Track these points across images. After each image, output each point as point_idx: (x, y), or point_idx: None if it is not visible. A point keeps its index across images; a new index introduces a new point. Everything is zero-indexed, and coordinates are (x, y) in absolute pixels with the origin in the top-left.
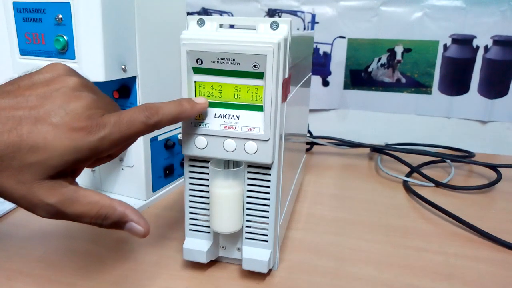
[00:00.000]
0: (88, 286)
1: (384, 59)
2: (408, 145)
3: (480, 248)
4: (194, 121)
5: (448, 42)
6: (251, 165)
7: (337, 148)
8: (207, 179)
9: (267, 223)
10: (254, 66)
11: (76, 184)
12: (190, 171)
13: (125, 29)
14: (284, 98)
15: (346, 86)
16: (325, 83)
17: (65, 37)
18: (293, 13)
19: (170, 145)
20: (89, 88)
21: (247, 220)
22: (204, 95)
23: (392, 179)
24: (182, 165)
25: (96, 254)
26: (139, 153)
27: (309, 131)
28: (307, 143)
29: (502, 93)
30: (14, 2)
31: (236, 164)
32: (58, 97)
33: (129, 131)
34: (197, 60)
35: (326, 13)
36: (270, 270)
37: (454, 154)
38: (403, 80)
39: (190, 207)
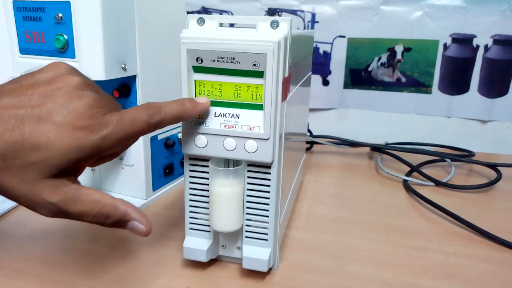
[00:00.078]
0: (88, 285)
1: (384, 59)
2: (408, 144)
3: (480, 247)
4: (194, 120)
5: (448, 41)
6: (251, 164)
7: (337, 147)
8: (207, 178)
9: (267, 222)
10: (254, 65)
11: (78, 183)
12: (190, 170)
13: (125, 28)
14: (284, 97)
15: (346, 86)
16: (325, 83)
17: (65, 36)
18: (293, 12)
19: (170, 144)
20: (91, 87)
21: (247, 219)
22: (204, 94)
23: (392, 178)
24: (182, 164)
25: (96, 253)
26: (139, 152)
27: (309, 130)
28: (307, 142)
29: (502, 92)
30: (14, 1)
31: (236, 163)
32: (60, 96)
33: (131, 130)
34: (197, 59)
35: (326, 12)
36: (270, 269)
37: (454, 153)
38: (403, 79)
39: (190, 206)
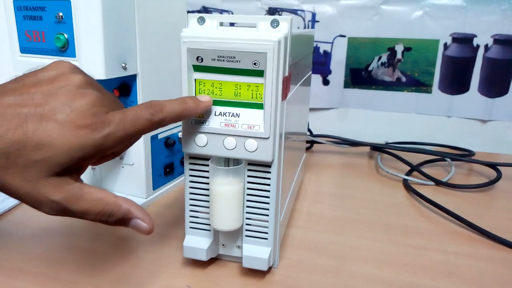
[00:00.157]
0: (89, 284)
1: (384, 58)
2: (408, 143)
3: (480, 247)
4: (195, 119)
5: (449, 41)
6: (251, 163)
7: (337, 146)
8: (208, 177)
9: (267, 221)
10: (254, 64)
11: (81, 181)
12: (191, 169)
13: (126, 27)
14: (284, 96)
15: (346, 85)
16: (325, 82)
17: (66, 35)
18: (294, 11)
19: (170, 143)
20: (93, 86)
21: (247, 218)
22: (204, 93)
23: (392, 178)
24: (182, 163)
25: (97, 251)
26: (139, 151)
27: (309, 130)
28: (307, 141)
29: (502, 92)
30: (14, 1)
31: (236, 162)
32: (63, 94)
33: (134, 128)
34: (197, 58)
35: (326, 12)
36: (270, 268)
37: (454, 152)
38: (404, 79)
39: (191, 205)
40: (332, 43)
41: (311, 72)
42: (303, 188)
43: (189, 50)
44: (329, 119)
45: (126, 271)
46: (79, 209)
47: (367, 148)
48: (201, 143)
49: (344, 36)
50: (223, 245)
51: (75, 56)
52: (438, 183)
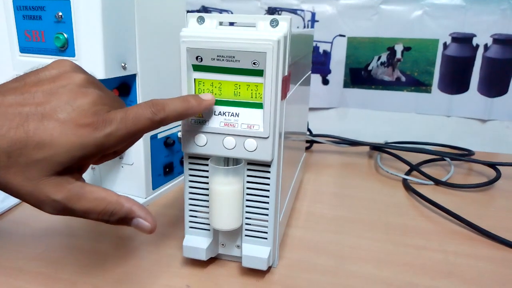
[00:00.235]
0: (90, 284)
1: (384, 58)
2: (407, 143)
3: (480, 246)
4: (194, 118)
5: (448, 40)
6: (250, 162)
7: (336, 146)
8: (207, 177)
9: (267, 221)
10: (254, 63)
11: (83, 180)
12: (190, 169)
13: (125, 26)
14: (283, 95)
15: (346, 85)
16: (325, 82)
17: (65, 35)
18: (293, 11)
19: (170, 143)
20: (95, 85)
21: (246, 218)
22: (204, 92)
23: (391, 177)
24: (182, 163)
25: (97, 251)
26: (139, 151)
27: (309, 130)
28: (307, 141)
29: (502, 91)
30: (14, 0)
31: (236, 161)
32: (64, 93)
33: (135, 127)
34: (196, 58)
35: (326, 12)
36: (269, 268)
37: (453, 152)
38: (403, 78)
39: (190, 204)
40: (331, 42)
41: (310, 71)
42: (302, 187)
43: (188, 49)
44: (328, 119)
45: (126, 271)
46: (80, 208)
47: (367, 148)
48: (201, 142)
49: (344, 35)
50: (222, 244)
51: (74, 56)
52: (437, 182)
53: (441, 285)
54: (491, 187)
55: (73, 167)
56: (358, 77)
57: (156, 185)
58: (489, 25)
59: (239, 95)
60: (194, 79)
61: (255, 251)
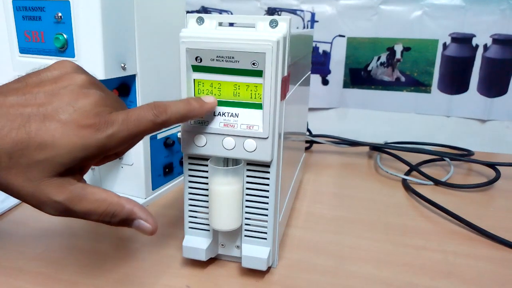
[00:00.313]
0: (89, 284)
1: (383, 58)
2: (407, 143)
3: (479, 246)
4: (194, 119)
5: (448, 40)
6: (250, 163)
7: (336, 146)
8: (207, 177)
9: (266, 221)
10: (253, 64)
11: (84, 181)
12: (190, 169)
13: (125, 27)
14: (283, 96)
15: (345, 85)
16: (325, 82)
17: (65, 35)
18: (293, 11)
19: (169, 143)
20: (97, 86)
21: (246, 218)
22: (203, 93)
23: (391, 178)
24: (181, 163)
25: (97, 252)
26: (138, 151)
27: (308, 130)
28: (307, 141)
29: (502, 92)
30: (13, 1)
31: (236, 162)
32: (66, 94)
33: (137, 129)
34: (196, 58)
35: (325, 12)
36: (269, 268)
37: (453, 152)
38: (403, 78)
39: (190, 205)
40: (331, 43)
41: (310, 72)
42: (302, 188)
43: (188, 50)
44: (328, 119)
45: (126, 272)
46: (82, 210)
47: (366, 148)
48: (200, 143)
49: (344, 36)
50: (222, 245)
51: (74, 57)
52: (437, 183)
53: (441, 285)
54: (490, 187)
55: (75, 168)
56: (358, 77)
57: (155, 185)
58: (488, 25)
59: (239, 96)
60: (194, 79)
61: (254, 252)
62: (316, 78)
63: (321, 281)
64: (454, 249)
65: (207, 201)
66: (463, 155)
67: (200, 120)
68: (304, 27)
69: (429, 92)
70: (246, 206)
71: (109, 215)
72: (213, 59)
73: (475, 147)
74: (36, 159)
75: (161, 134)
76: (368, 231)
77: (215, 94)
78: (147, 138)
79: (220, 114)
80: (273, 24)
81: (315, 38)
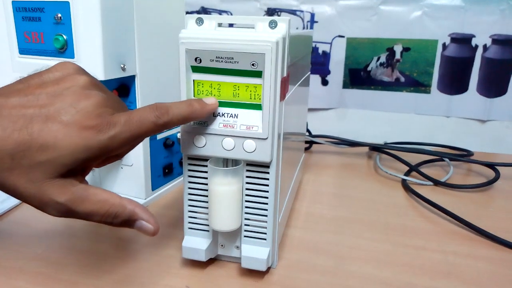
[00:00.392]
0: (90, 284)
1: (383, 58)
2: (407, 144)
3: (479, 247)
4: None
5: (447, 41)
6: (249, 163)
7: (336, 147)
8: (206, 178)
9: (266, 221)
10: (253, 64)
11: (86, 182)
12: (189, 170)
13: (124, 28)
14: (282, 96)
15: (345, 85)
16: (324, 82)
17: (64, 36)
18: (292, 12)
19: (169, 144)
20: (98, 87)
21: (246, 218)
22: (203, 93)
23: (391, 178)
24: (181, 164)
25: (97, 252)
26: (138, 152)
27: (308, 130)
28: (306, 142)
29: (501, 92)
30: (13, 1)
31: (235, 162)
32: (68, 95)
33: (139, 130)
34: (195, 59)
35: (325, 12)
36: (269, 268)
37: (453, 153)
38: (402, 79)
39: (189, 205)
40: (331, 43)
41: (309, 72)
42: (302, 188)
43: (187, 51)
44: (328, 120)
45: (126, 272)
46: (84, 211)
47: (366, 148)
48: (200, 144)
49: (343, 36)
50: (222, 245)
51: (74, 57)
52: (436, 183)
53: (440, 286)
54: (490, 188)
55: (77, 170)
56: (358, 77)
57: (155, 186)
58: (488, 26)
59: (238, 96)
60: (193, 80)
61: (254, 252)
62: (315, 79)
63: (321, 281)
64: (453, 249)
65: (207, 202)
66: (462, 155)
67: (199, 121)
68: (303, 28)
69: (428, 92)
70: (246, 207)
71: (111, 216)
72: (213, 60)
73: (475, 148)
74: (38, 160)
75: (161, 135)
76: (368, 231)
77: (214, 95)
78: (146, 139)
79: (220, 115)
80: (273, 24)
81: (314, 38)
